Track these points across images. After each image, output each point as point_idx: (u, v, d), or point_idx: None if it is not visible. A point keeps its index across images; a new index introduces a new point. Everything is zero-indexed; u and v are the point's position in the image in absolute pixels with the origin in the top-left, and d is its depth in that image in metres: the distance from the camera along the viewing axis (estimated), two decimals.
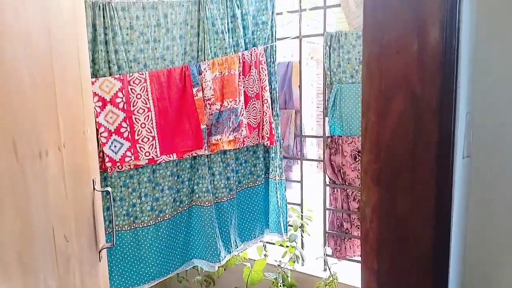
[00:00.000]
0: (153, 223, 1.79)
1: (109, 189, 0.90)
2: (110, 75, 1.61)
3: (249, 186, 2.13)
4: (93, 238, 0.81)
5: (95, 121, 1.54)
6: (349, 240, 2.16)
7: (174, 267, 1.90)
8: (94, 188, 0.83)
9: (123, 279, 1.75)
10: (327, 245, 2.22)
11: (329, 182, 2.19)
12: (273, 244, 2.38)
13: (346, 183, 2.13)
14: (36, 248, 0.48)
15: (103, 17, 1.57)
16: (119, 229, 1.72)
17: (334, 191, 2.19)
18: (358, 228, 2.13)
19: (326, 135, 2.13)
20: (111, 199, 0.87)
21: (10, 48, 0.50)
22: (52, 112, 0.62)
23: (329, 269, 2.12)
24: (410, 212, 0.88)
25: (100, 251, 0.85)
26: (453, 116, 0.85)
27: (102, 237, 0.87)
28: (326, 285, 1.90)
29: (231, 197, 2.01)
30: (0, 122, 0.50)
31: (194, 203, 1.94)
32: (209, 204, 1.90)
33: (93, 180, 0.82)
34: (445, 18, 0.79)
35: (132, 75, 1.64)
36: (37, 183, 0.54)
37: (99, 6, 1.55)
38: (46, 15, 0.66)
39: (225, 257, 1.99)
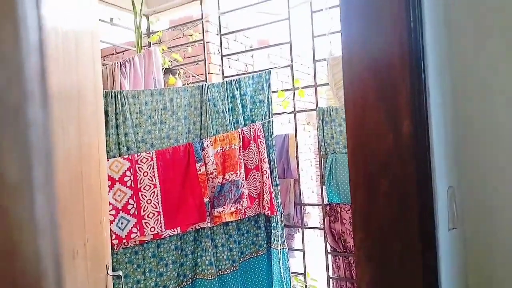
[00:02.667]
0: None
1: (120, 273, 0.96)
2: (119, 155, 1.74)
3: (252, 256, 2.16)
4: None
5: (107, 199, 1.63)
6: None
7: None
8: (107, 273, 0.90)
9: None
10: None
11: (331, 250, 2.21)
12: None
13: (348, 251, 2.15)
14: None
15: (115, 104, 1.73)
16: None
17: (336, 259, 2.20)
18: None
19: (325, 203, 2.21)
20: (122, 282, 0.91)
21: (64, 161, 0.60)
22: (80, 210, 0.71)
23: None
24: (401, 286, 0.93)
25: None
26: (432, 193, 0.94)
27: None
28: None
29: (234, 268, 2.02)
30: None
31: (197, 277, 1.96)
32: (212, 277, 1.92)
33: (106, 265, 0.88)
34: (415, 111, 0.92)
35: (140, 154, 1.77)
36: (71, 283, 0.60)
37: (111, 95, 1.73)
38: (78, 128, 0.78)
39: None
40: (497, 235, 1.13)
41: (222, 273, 1.98)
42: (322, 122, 2.20)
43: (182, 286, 1.90)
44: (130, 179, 1.72)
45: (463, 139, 1.18)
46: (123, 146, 1.74)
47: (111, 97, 1.73)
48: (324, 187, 2.24)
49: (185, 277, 1.92)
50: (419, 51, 0.91)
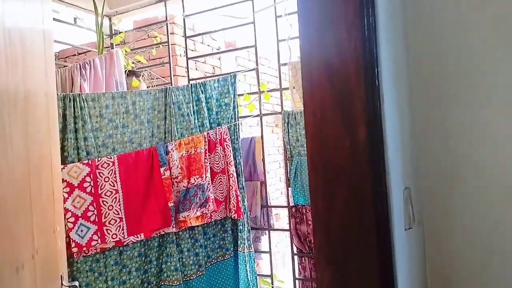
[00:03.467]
0: None
1: (76, 283, 0.92)
2: (78, 160, 1.68)
3: (218, 260, 2.14)
4: None
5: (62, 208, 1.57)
6: None
7: None
8: (62, 284, 0.86)
9: None
10: None
11: (297, 251, 2.24)
12: None
13: (313, 252, 2.19)
14: None
15: (73, 107, 1.67)
16: None
17: (302, 260, 2.23)
18: None
19: (291, 204, 2.23)
20: None
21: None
22: (28, 221, 0.67)
23: None
24: (360, 287, 0.96)
25: None
26: (387, 195, 0.98)
27: None
28: None
29: (201, 273, 2.00)
30: None
31: (162, 283, 1.92)
32: (178, 283, 1.89)
33: (61, 276, 0.85)
34: (370, 117, 0.95)
35: (101, 159, 1.71)
36: None
37: (69, 98, 1.66)
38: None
39: None
40: (455, 233, 1.19)
41: (188, 279, 1.95)
42: (288, 125, 2.23)
43: None
44: (90, 185, 1.66)
45: (420, 142, 1.24)
46: (82, 150, 1.68)
47: (69, 100, 1.67)
48: (290, 189, 2.26)
49: (149, 284, 1.88)
50: (374, 58, 0.94)
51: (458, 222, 1.18)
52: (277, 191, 5.14)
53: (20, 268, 0.60)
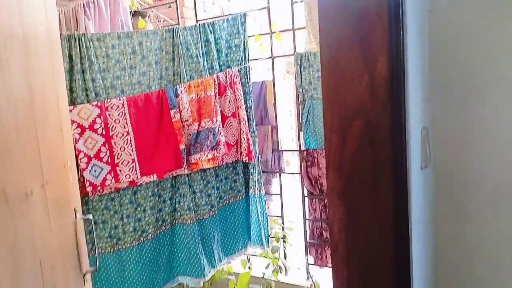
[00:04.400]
0: (136, 243, 1.82)
1: (90, 216, 0.95)
2: (88, 102, 1.66)
3: (230, 201, 2.19)
4: (77, 264, 0.86)
5: (74, 148, 1.58)
6: (330, 248, 2.24)
7: (158, 285, 1.94)
8: (76, 217, 0.89)
9: None
10: (308, 254, 2.30)
11: (307, 194, 2.28)
12: (257, 256, 2.44)
13: (323, 194, 2.22)
14: (26, 281, 0.53)
15: (79, 47, 1.62)
16: (103, 251, 1.75)
17: (312, 202, 2.27)
18: None
19: (302, 149, 2.23)
20: (93, 225, 0.91)
21: None
22: (35, 152, 0.67)
23: (311, 277, 2.19)
24: (373, 223, 0.97)
25: (84, 275, 0.89)
26: (404, 135, 0.95)
27: (86, 262, 0.91)
28: None
29: (213, 213, 2.06)
30: None
31: (176, 221, 1.99)
32: (191, 222, 1.95)
33: (74, 209, 0.87)
34: (391, 49, 0.89)
35: (110, 101, 1.69)
36: (24, 222, 0.58)
37: (74, 38, 1.61)
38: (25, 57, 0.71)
39: (209, 272, 2.03)
40: (467, 172, 1.17)
41: (201, 218, 2.01)
42: (300, 68, 2.15)
43: (161, 230, 1.93)
44: (100, 126, 1.66)
45: (439, 81, 1.18)
46: (91, 92, 1.66)
47: (75, 40, 1.61)
48: (301, 133, 2.25)
49: (164, 222, 1.94)
50: None
51: (471, 161, 1.16)
52: (287, 138, 5.14)
53: (29, 194, 0.61)
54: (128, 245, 1.81)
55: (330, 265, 2.14)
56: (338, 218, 1.02)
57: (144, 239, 1.86)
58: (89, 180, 1.63)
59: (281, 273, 2.30)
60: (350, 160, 0.98)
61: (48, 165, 0.71)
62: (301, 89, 2.17)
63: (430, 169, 1.19)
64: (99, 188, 1.66)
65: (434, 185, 1.23)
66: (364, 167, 0.96)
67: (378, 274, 0.99)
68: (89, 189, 1.64)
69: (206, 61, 1.99)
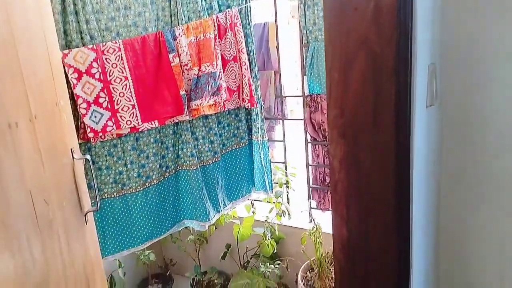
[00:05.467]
0: (141, 189, 1.86)
1: (87, 156, 0.94)
2: (83, 45, 1.60)
3: (234, 148, 2.19)
4: (77, 203, 0.86)
5: (74, 93, 1.55)
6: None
7: (165, 228, 2.00)
8: (73, 157, 0.88)
9: (117, 243, 1.84)
10: (311, 198, 2.34)
11: (311, 140, 2.26)
12: (260, 201, 2.49)
13: (327, 140, 2.20)
14: (14, 210, 0.53)
15: None
16: (109, 196, 1.79)
17: (315, 148, 2.26)
18: None
19: (305, 94, 2.17)
20: (91, 165, 0.90)
21: None
22: (20, 89, 0.65)
23: (313, 220, 2.24)
24: (373, 162, 0.95)
25: (85, 215, 0.91)
26: (410, 70, 0.90)
27: (87, 202, 0.92)
28: (311, 234, 2.02)
29: (216, 160, 2.07)
30: None
31: (180, 168, 2.01)
32: (194, 168, 1.97)
33: (71, 149, 0.86)
34: None
35: (106, 44, 1.63)
36: (9, 155, 0.58)
37: None
38: None
39: (214, 216, 2.08)
40: (475, 110, 1.13)
41: (204, 164, 2.03)
42: (304, 7, 2.04)
43: (165, 176, 1.96)
44: (98, 71, 1.62)
45: (450, 15, 1.10)
46: (86, 34, 1.60)
47: None
48: (305, 78, 2.18)
49: (167, 168, 1.96)
50: None
51: (479, 98, 1.11)
52: (292, 87, 5.04)
53: (14, 125, 0.59)
54: (133, 190, 1.84)
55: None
56: (338, 156, 1.00)
57: (149, 185, 1.89)
58: (90, 126, 1.62)
59: (284, 216, 2.35)
60: (351, 97, 0.94)
61: (36, 101, 0.69)
62: (305, 31, 2.07)
63: (436, 108, 1.15)
64: (100, 134, 1.66)
65: (440, 124, 1.19)
66: (366, 104, 0.93)
67: (378, 212, 0.99)
68: (90, 135, 1.63)
69: (205, 0, 1.89)
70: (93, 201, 1.75)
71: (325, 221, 2.22)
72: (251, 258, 2.44)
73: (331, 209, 1.08)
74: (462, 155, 1.18)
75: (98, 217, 1.78)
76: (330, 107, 0.97)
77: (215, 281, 2.52)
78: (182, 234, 2.64)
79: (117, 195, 1.81)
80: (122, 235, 1.85)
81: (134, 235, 1.88)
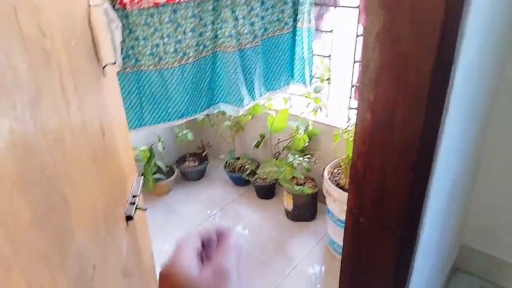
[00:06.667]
0: (178, 64, 1.85)
1: (106, 5, 0.91)
2: None
3: (276, 34, 2.06)
4: (92, 51, 0.85)
5: None
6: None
7: (201, 108, 2.04)
8: (89, 4, 0.85)
9: (153, 115, 1.92)
10: (352, 97, 2.22)
11: (363, 32, 2.05)
12: (298, 95, 2.42)
13: None
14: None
15: None
16: (146, 68, 1.81)
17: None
18: None
19: None
20: (118, 26, 0.87)
21: None
22: None
23: (350, 120, 2.17)
24: (412, 40, 0.82)
25: (104, 67, 0.91)
26: None
27: (106, 54, 0.91)
28: (344, 132, 1.97)
29: (256, 44, 1.97)
30: None
31: (218, 49, 1.94)
32: (232, 50, 1.89)
33: None
34: None
35: None
36: None
37: None
38: None
39: (248, 103, 2.07)
40: None
41: (242, 47, 1.94)
42: None
43: (202, 55, 1.92)
44: None
45: None
46: None
47: None
48: None
49: (205, 47, 1.91)
50: None
51: None
52: None
53: None
54: (170, 65, 1.84)
55: None
56: (375, 30, 0.88)
57: (186, 62, 1.87)
58: None
59: (321, 113, 2.29)
60: None
61: None
62: None
63: None
64: (136, 0, 1.60)
65: None
66: None
67: (407, 100, 0.89)
68: (126, 0, 1.58)
69: None
70: (129, 70, 1.79)
71: None
72: (282, 150, 2.49)
73: (358, 95, 0.99)
74: None
75: (136, 87, 1.83)
76: None
77: (247, 166, 2.64)
78: (219, 120, 2.71)
79: (154, 68, 1.82)
80: (158, 109, 1.92)
81: (170, 110, 1.94)
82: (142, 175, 2.61)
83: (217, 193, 2.71)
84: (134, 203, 1.06)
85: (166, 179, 2.64)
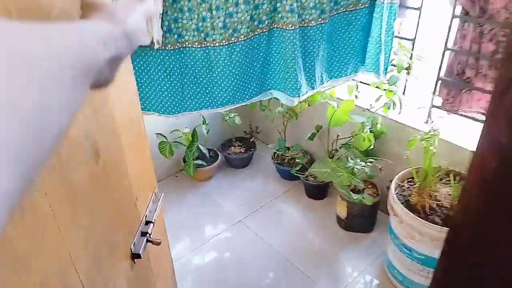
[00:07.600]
0: (226, 43, 1.56)
1: None
2: None
3: (348, 9, 1.67)
4: None
5: None
6: (468, 91, 1.68)
7: (250, 95, 1.75)
8: None
9: (196, 100, 1.68)
10: (437, 94, 1.79)
11: (460, 13, 1.60)
12: (368, 85, 2.03)
13: (486, 16, 1.52)
14: None
15: None
16: (189, 45, 1.54)
17: (464, 26, 1.61)
18: (485, 77, 1.61)
19: None
20: None
21: None
22: None
23: (432, 122, 1.76)
24: None
25: None
26: None
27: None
28: (423, 139, 1.58)
29: (322, 21, 1.60)
30: None
31: (275, 25, 1.61)
32: (292, 28, 1.55)
33: None
34: None
35: None
36: None
37: None
38: None
39: (306, 92, 1.74)
40: None
41: (305, 25, 1.59)
42: None
43: (256, 33, 1.60)
44: None
45: None
46: None
47: None
48: None
49: (260, 23, 1.58)
50: None
51: None
52: None
53: None
54: (217, 44, 1.55)
55: (462, 113, 1.63)
56: None
57: (235, 40, 1.57)
58: None
59: (393, 109, 1.90)
60: None
61: None
62: None
63: None
64: None
65: None
66: None
67: None
68: None
69: None
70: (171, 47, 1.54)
71: (447, 126, 1.72)
72: (340, 148, 2.14)
73: (484, 110, 0.64)
74: None
75: (177, 67, 1.58)
76: None
77: (297, 160, 2.34)
78: (271, 104, 2.41)
79: (199, 46, 1.55)
80: (202, 93, 1.67)
81: (214, 95, 1.68)
82: (183, 160, 2.41)
83: (261, 186, 2.46)
84: (145, 234, 0.82)
85: (208, 165, 2.43)
